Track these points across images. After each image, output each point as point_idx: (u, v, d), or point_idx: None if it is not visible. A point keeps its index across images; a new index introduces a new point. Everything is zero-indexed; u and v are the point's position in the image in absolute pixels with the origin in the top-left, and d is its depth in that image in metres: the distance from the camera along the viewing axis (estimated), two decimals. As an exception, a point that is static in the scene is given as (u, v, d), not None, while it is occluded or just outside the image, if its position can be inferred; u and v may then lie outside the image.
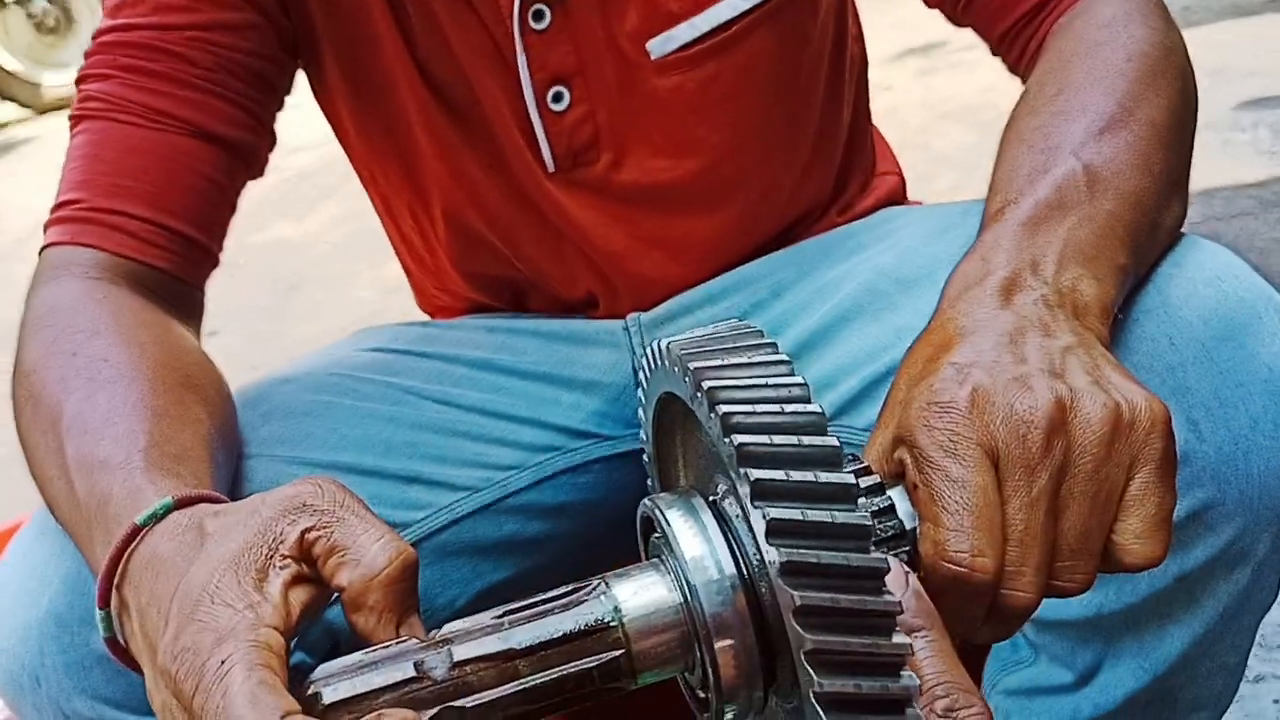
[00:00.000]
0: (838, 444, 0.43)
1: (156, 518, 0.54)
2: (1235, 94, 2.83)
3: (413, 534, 0.79)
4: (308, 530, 0.49)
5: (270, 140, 0.84)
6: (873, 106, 0.99)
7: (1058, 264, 0.57)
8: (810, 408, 0.43)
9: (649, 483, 0.59)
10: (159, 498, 0.55)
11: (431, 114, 0.85)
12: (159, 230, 0.78)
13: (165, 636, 0.48)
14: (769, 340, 0.47)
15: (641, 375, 0.54)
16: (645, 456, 0.57)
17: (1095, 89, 0.67)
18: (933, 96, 3.48)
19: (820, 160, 0.92)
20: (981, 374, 0.50)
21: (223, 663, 0.44)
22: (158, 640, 0.49)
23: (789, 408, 0.43)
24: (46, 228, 0.79)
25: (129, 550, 0.54)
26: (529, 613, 0.46)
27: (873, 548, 0.42)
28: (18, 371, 0.71)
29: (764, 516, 0.41)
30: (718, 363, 0.46)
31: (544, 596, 0.47)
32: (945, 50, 3.79)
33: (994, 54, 0.82)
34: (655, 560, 0.48)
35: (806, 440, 0.43)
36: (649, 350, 0.51)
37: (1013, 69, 0.81)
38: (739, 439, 0.42)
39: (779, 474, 0.42)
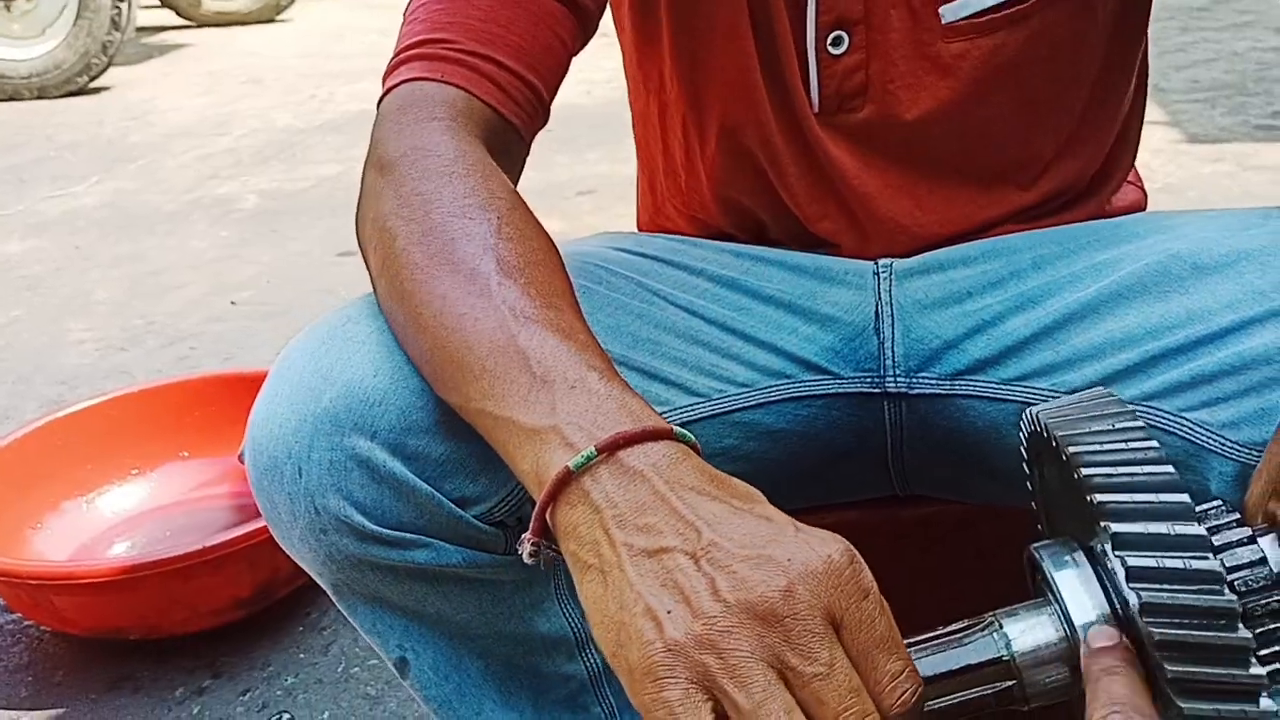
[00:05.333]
0: (1189, 500, 0.50)
1: (661, 435, 0.57)
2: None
3: None
4: None
5: (599, 19, 0.87)
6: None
7: None
8: (1164, 469, 0.51)
9: (1039, 527, 0.64)
10: (645, 418, 0.58)
11: (739, 28, 0.88)
12: (520, 83, 0.80)
13: (703, 537, 0.53)
14: (1129, 409, 0.54)
15: (1021, 436, 0.61)
16: (1033, 505, 0.64)
17: None
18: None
19: (1083, 141, 0.93)
20: None
21: None
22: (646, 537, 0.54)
23: (1144, 469, 0.51)
24: (405, 61, 0.81)
25: (619, 449, 0.56)
26: (930, 645, 0.54)
27: (1226, 590, 0.48)
28: (412, 204, 0.72)
29: (1124, 564, 0.49)
30: (1082, 430, 0.53)
31: (942, 632, 0.55)
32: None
33: None
34: (1040, 600, 0.55)
35: (1162, 497, 0.50)
36: (1026, 415, 0.59)
37: None
38: (1099, 498, 0.50)
39: (1137, 527, 0.49)
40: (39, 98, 5.29)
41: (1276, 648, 0.51)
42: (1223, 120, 3.77)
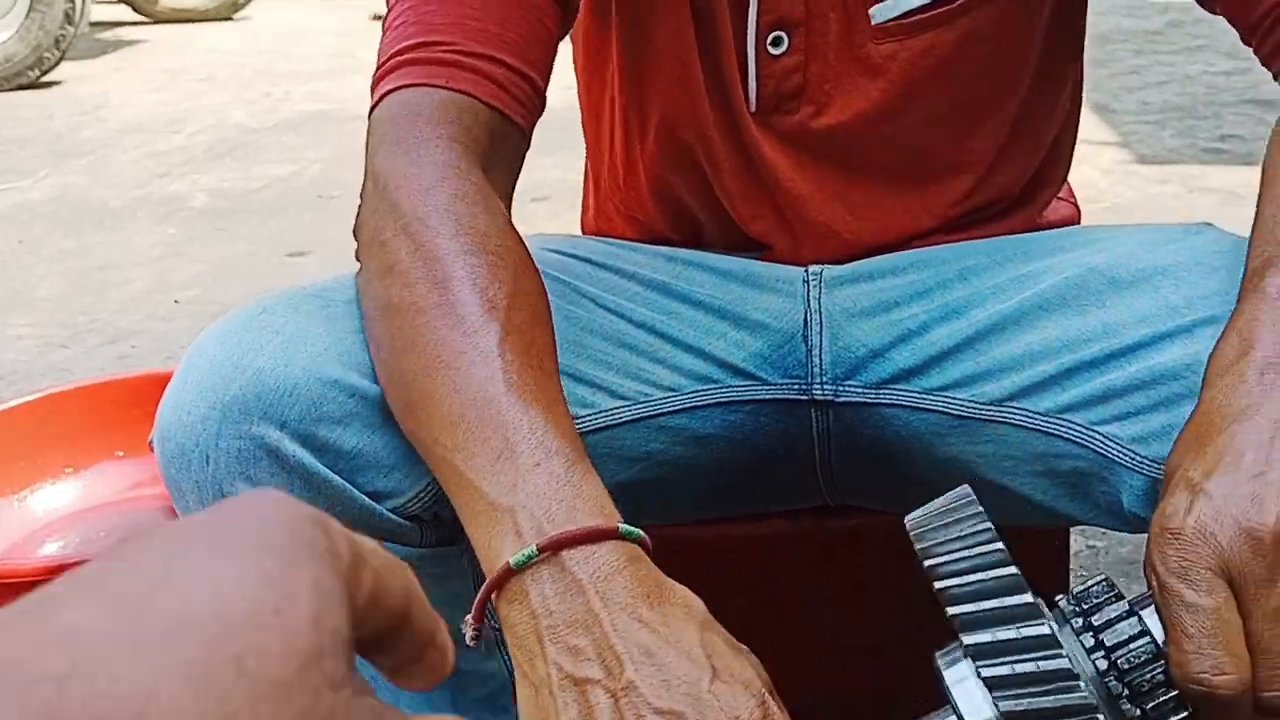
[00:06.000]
0: (1033, 600, 0.51)
1: (606, 536, 0.59)
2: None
3: None
4: None
5: (579, 4, 0.87)
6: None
7: None
8: (1008, 571, 0.51)
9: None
10: (597, 512, 0.60)
11: (681, 22, 0.88)
12: (521, 80, 0.80)
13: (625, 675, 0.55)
14: (978, 511, 0.55)
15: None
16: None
17: None
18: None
19: (1016, 149, 0.93)
20: (1214, 491, 0.52)
21: None
22: (571, 661, 0.57)
23: (990, 574, 0.52)
24: (400, 65, 0.79)
25: (556, 550, 0.59)
26: None
27: (1082, 686, 0.49)
28: (417, 238, 0.72)
29: (979, 674, 0.50)
30: (937, 540, 0.54)
31: None
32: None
33: (1245, 44, 0.82)
34: (945, 709, 0.55)
35: (1005, 601, 0.51)
36: (905, 522, 0.59)
37: (1266, 64, 0.80)
38: (950, 610, 0.52)
39: (986, 635, 0.50)
40: (-11, 90, 5.22)
41: (1173, 717, 0.51)
42: (1172, 142, 3.82)
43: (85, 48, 5.95)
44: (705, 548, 1.06)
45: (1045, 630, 0.49)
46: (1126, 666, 0.51)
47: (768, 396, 0.89)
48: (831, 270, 0.91)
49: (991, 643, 0.50)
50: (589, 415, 0.83)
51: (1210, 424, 0.57)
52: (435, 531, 0.78)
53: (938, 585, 0.52)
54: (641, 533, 0.61)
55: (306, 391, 0.71)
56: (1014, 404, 0.80)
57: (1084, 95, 0.98)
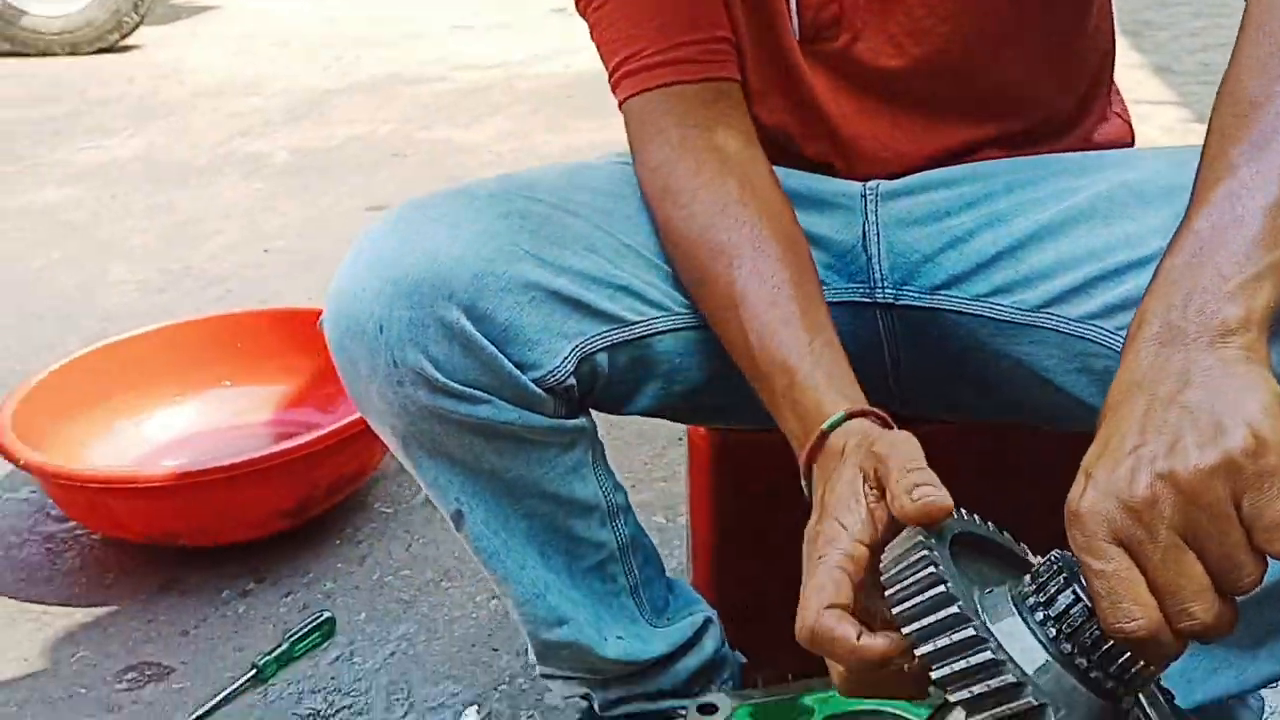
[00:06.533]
0: (958, 609, 0.60)
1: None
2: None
3: (666, 325, 0.94)
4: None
5: None
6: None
7: (1205, 298, 0.63)
8: (936, 590, 0.61)
9: None
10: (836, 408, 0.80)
11: None
12: (707, 42, 0.93)
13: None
14: (919, 541, 0.64)
15: None
16: None
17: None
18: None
19: (1055, 69, 0.99)
20: (1099, 475, 0.60)
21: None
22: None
23: (927, 594, 0.61)
24: (617, 82, 0.95)
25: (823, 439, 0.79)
26: None
27: (1008, 669, 0.59)
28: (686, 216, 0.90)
29: (930, 674, 0.61)
30: (892, 572, 0.63)
31: None
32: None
33: None
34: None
35: (941, 614, 0.60)
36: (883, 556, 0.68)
37: None
38: (903, 630, 0.62)
39: (930, 646, 0.60)
40: (71, 54, 5.39)
41: (1117, 661, 0.61)
42: (1229, 102, 3.83)
43: (161, 13, 6.11)
44: (776, 450, 1.17)
45: (970, 632, 0.59)
46: (1069, 630, 0.61)
47: (835, 299, 0.98)
48: (888, 184, 1.00)
49: (933, 650, 0.60)
50: (665, 317, 0.94)
51: (1108, 405, 0.64)
52: (566, 405, 0.90)
53: (894, 611, 0.62)
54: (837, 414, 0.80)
55: (470, 266, 0.84)
56: (1049, 310, 0.89)
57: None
